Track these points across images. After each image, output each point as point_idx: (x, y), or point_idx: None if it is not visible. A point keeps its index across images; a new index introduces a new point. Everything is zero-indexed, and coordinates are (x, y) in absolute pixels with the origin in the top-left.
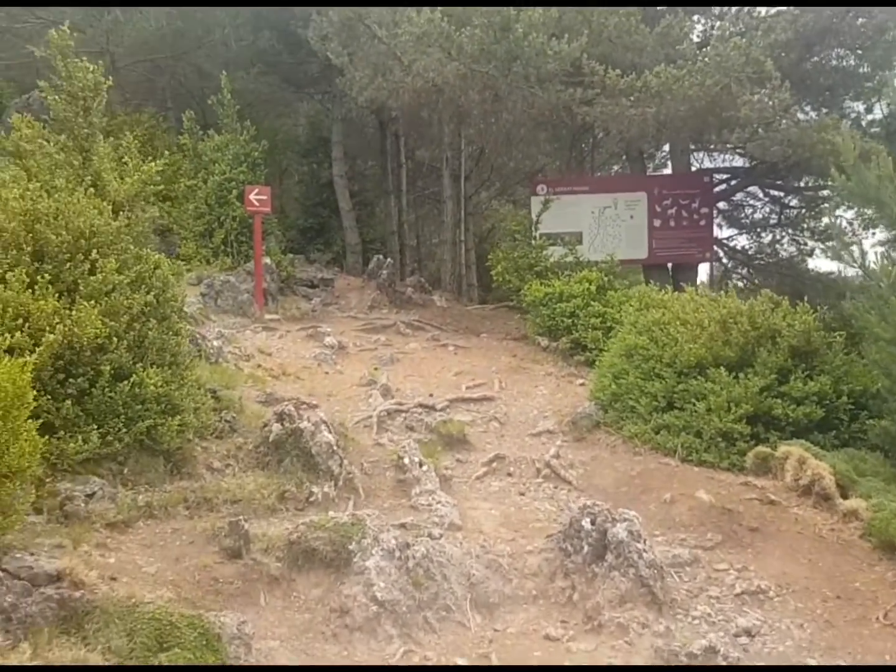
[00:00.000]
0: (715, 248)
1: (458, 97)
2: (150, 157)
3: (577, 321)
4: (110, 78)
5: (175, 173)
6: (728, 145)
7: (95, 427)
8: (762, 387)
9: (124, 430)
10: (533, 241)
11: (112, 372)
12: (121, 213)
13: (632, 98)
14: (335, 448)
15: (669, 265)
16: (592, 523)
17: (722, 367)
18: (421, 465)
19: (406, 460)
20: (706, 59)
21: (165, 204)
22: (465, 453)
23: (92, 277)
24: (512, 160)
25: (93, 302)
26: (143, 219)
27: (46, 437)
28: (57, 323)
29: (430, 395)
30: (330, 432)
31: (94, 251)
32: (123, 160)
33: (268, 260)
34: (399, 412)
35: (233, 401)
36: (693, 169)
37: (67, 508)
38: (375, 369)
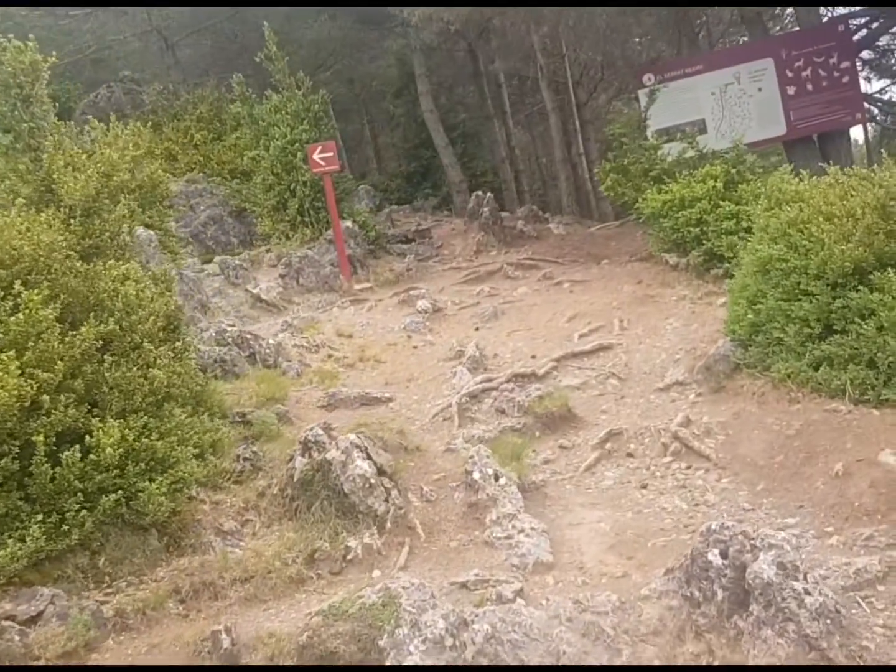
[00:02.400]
0: (866, 105)
1: None
2: (214, 135)
3: (706, 228)
4: (170, 54)
5: (237, 146)
6: None
7: (40, 518)
8: None
9: (84, 511)
10: (643, 143)
11: (55, 439)
12: (71, 221)
13: None
14: (373, 481)
15: (815, 137)
16: (724, 556)
17: (890, 269)
18: (496, 479)
19: (476, 474)
20: None
21: (233, 181)
22: (570, 435)
23: (12, 318)
24: (620, 54)
25: (13, 352)
26: (110, 220)
27: None
28: None
29: (533, 357)
30: (367, 458)
31: (17, 282)
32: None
33: (349, 223)
34: (488, 391)
35: (267, 423)
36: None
37: None
38: (476, 329)
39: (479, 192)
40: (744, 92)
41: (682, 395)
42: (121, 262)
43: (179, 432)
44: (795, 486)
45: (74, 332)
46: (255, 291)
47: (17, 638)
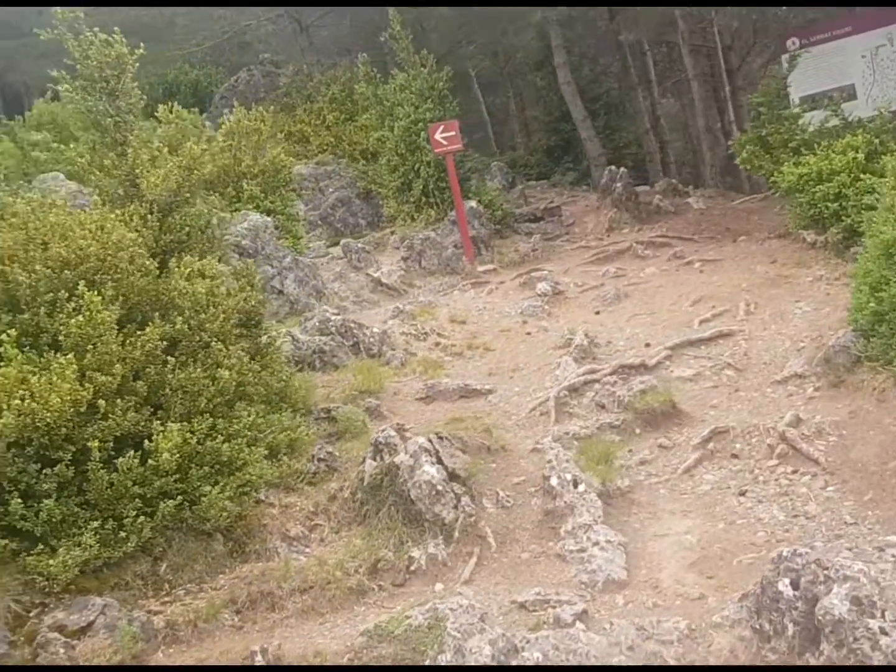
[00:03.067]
0: None
1: None
2: (346, 116)
3: (845, 203)
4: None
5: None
6: None
7: (96, 524)
8: None
9: (143, 517)
10: (782, 112)
11: (112, 443)
12: (149, 217)
13: None
14: (440, 487)
15: None
16: (795, 587)
17: None
18: (575, 485)
19: (553, 480)
20: None
21: (359, 163)
22: (673, 433)
23: (73, 321)
24: (772, 16)
25: (71, 355)
26: (191, 215)
27: (24, 553)
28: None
29: (647, 346)
30: (437, 462)
31: (82, 282)
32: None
33: (473, 203)
34: (590, 384)
35: (352, 420)
36: None
37: (42, 657)
38: (596, 313)
39: (613, 167)
40: None
41: (800, 388)
42: (197, 259)
43: (250, 433)
44: None
45: (140, 333)
46: (375, 275)
47: (62, 651)
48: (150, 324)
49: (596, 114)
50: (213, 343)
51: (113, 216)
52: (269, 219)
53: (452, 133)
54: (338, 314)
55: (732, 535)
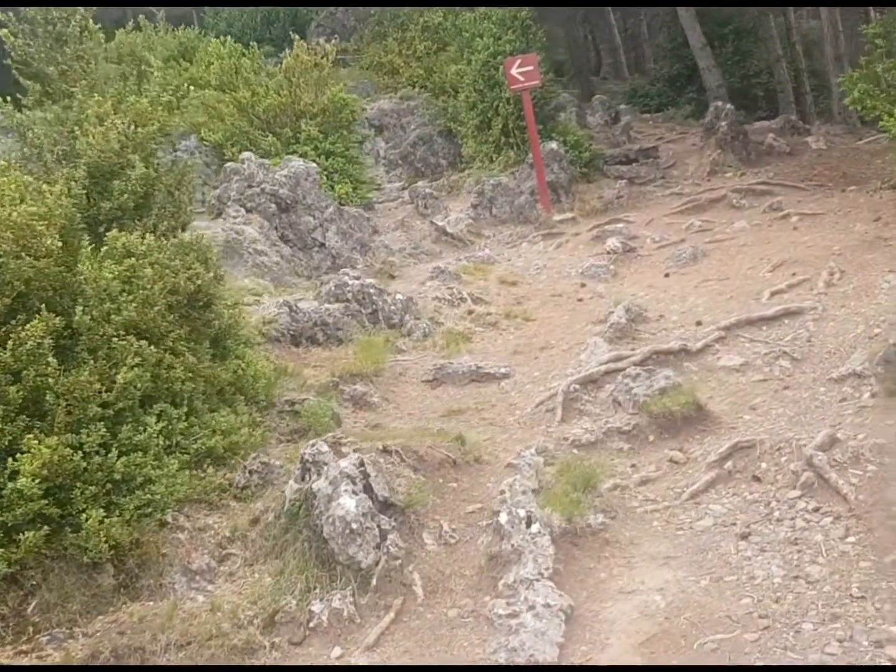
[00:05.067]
0: None
1: None
2: (440, 46)
3: None
4: None
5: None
6: None
7: None
8: None
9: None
10: None
11: None
12: (73, 184)
13: None
14: (355, 525)
15: None
16: None
17: None
18: (529, 524)
19: (503, 517)
20: None
21: (439, 99)
22: (692, 442)
23: None
24: None
25: None
26: (134, 178)
27: None
28: None
29: (698, 324)
30: (361, 491)
31: None
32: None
33: (554, 145)
34: (613, 374)
35: (318, 415)
36: None
37: None
38: (665, 276)
39: (718, 104)
40: None
41: (856, 392)
42: (124, 234)
43: (165, 441)
44: None
45: (19, 329)
46: (440, 224)
47: None
48: (37, 316)
49: (725, 38)
50: (116, 338)
51: (16, 183)
52: (312, 165)
53: (530, 68)
54: (358, 278)
55: (711, 600)
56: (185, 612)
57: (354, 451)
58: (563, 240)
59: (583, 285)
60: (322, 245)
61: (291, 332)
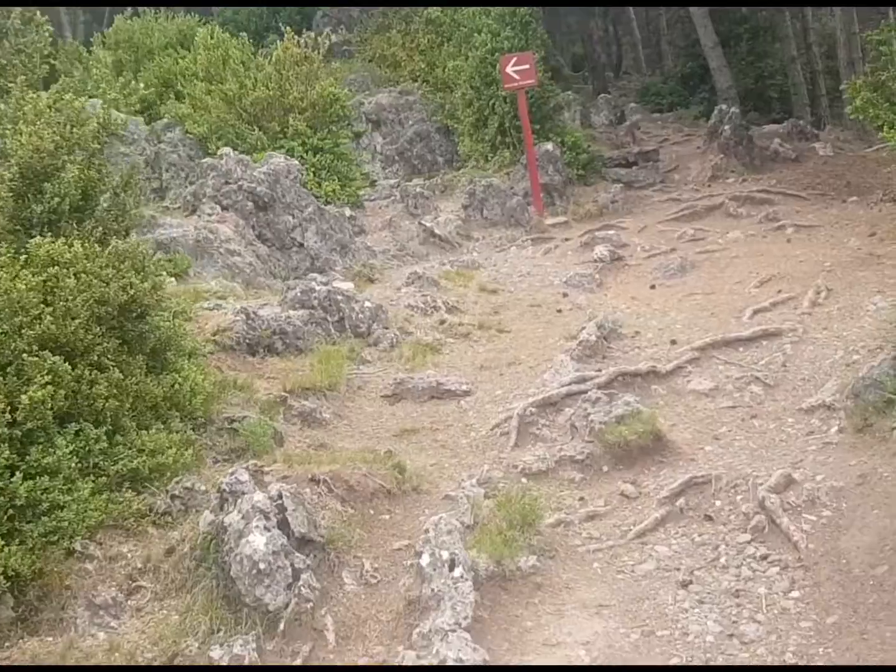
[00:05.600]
0: None
1: None
2: (444, 39)
3: None
4: None
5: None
6: None
7: None
8: None
9: None
10: None
11: None
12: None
13: None
14: (263, 566)
15: None
16: None
17: None
18: (452, 567)
19: (425, 558)
20: None
21: (437, 95)
22: (647, 475)
23: None
24: None
25: None
26: (66, 181)
27: None
28: None
29: (673, 343)
30: (276, 527)
31: None
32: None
33: (550, 146)
34: (575, 396)
35: (257, 434)
36: None
37: None
38: (651, 287)
39: (723, 107)
40: None
41: (824, 425)
42: (48, 241)
43: (78, 463)
44: (877, 631)
45: None
46: (428, 225)
47: None
48: None
49: (739, 38)
50: (28, 353)
51: None
52: (294, 162)
53: (526, 66)
54: (326, 283)
55: (639, 657)
56: (82, 652)
57: (280, 479)
58: (553, 245)
59: (564, 295)
60: (301, 245)
61: (247, 341)
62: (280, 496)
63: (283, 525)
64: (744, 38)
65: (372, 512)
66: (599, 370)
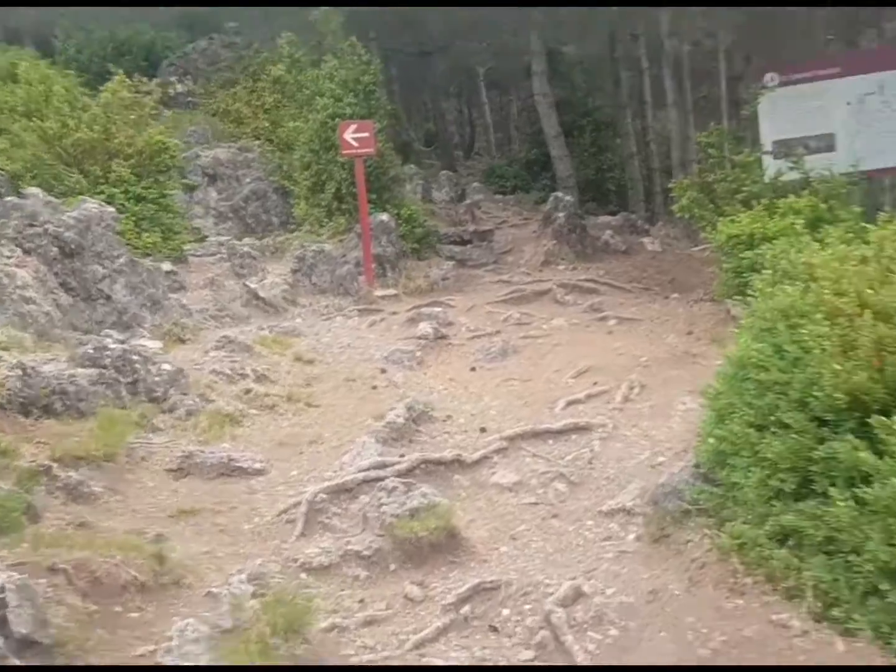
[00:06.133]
0: None
1: None
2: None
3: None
4: None
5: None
6: None
7: None
8: None
9: None
10: (735, 157)
11: None
12: None
13: None
14: None
15: None
16: None
17: None
18: None
19: None
20: None
21: (276, 154)
22: (435, 575)
23: None
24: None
25: None
26: None
27: None
28: None
29: (483, 431)
30: None
31: None
32: None
33: (385, 217)
34: (372, 483)
35: (7, 508)
36: None
37: None
38: (472, 370)
39: (558, 194)
40: (888, 105)
41: (623, 530)
42: None
43: None
44: None
45: None
46: (252, 286)
47: None
48: None
49: (583, 129)
50: None
51: None
52: (109, 209)
53: (366, 134)
54: (122, 341)
55: None
56: None
57: (13, 565)
58: (380, 317)
59: (383, 371)
60: (108, 298)
61: (21, 400)
62: (3, 589)
63: (2, 624)
64: (587, 130)
65: (119, 609)
66: (403, 455)
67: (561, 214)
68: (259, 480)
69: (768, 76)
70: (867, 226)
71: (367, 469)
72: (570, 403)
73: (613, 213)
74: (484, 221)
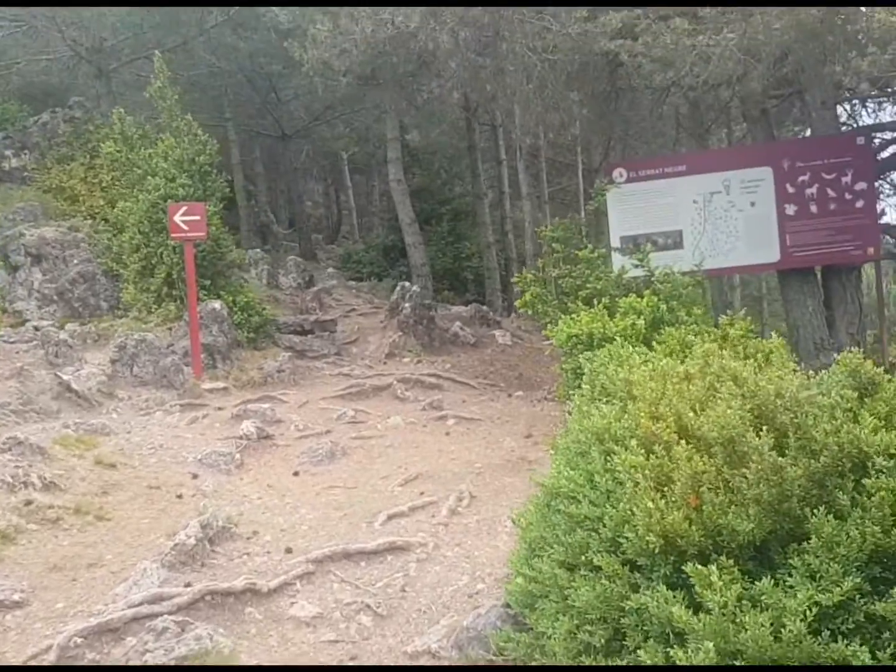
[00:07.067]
0: (887, 238)
1: (426, 45)
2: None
3: None
4: None
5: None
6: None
7: None
8: (823, 609)
9: None
10: (579, 252)
11: None
12: None
13: (699, 16)
14: None
15: (817, 270)
16: None
17: (727, 557)
18: None
19: None
20: None
21: (105, 235)
22: None
23: None
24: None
25: None
26: None
27: None
28: None
29: (288, 552)
30: None
31: None
32: None
33: (217, 304)
34: (143, 620)
35: None
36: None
37: None
38: (295, 474)
39: (406, 284)
40: (732, 205)
41: None
42: None
43: None
44: None
45: None
46: (65, 378)
47: None
48: None
49: (442, 217)
50: None
51: None
52: None
53: (197, 217)
54: None
55: None
56: None
57: None
58: (203, 413)
59: (194, 476)
60: None
61: None
62: None
63: None
64: (446, 218)
65: None
66: (188, 585)
67: (407, 305)
68: (16, 615)
69: (616, 171)
70: (709, 329)
71: (140, 604)
72: (391, 517)
73: (469, 303)
74: (333, 309)
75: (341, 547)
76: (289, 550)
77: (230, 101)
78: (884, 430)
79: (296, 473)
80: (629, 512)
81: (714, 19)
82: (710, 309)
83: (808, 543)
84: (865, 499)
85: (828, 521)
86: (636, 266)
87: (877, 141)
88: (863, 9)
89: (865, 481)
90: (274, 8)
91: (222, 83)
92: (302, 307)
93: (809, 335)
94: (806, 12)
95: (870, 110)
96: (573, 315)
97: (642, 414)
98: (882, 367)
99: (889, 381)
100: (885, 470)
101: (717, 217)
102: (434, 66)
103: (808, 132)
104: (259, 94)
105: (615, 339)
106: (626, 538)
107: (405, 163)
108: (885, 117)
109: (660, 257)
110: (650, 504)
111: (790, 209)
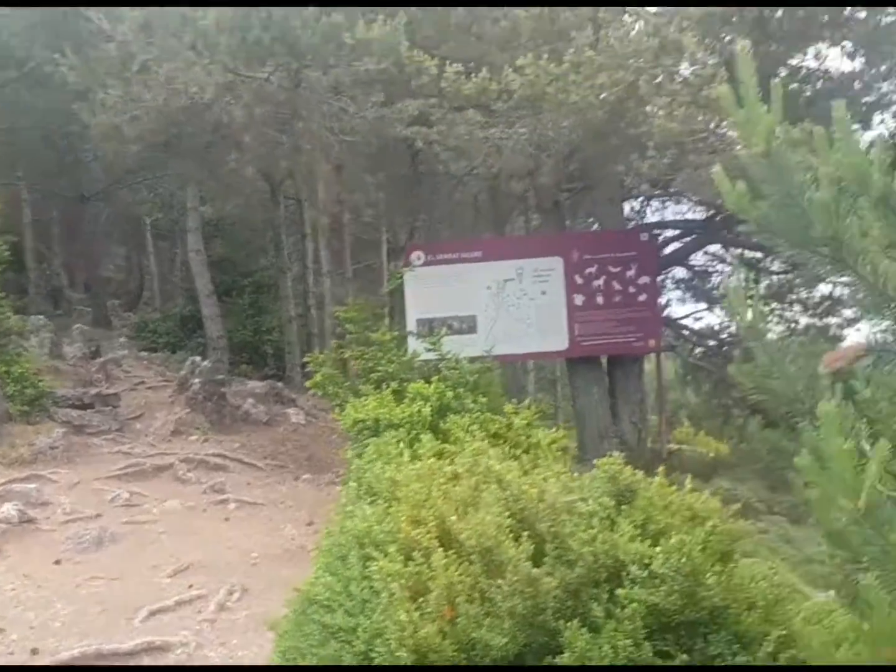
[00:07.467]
0: (669, 331)
1: (221, 117)
2: None
3: None
4: None
5: None
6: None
7: None
8: None
9: None
10: (372, 335)
11: None
12: None
13: (492, 109)
14: None
15: (603, 359)
16: None
17: None
18: None
19: None
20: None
21: None
22: None
23: None
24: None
25: None
26: None
27: None
28: None
29: (34, 652)
30: None
31: None
32: None
33: None
34: None
35: None
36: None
37: None
38: (57, 563)
39: (196, 358)
40: (524, 293)
41: None
42: None
43: None
44: None
45: None
46: None
47: None
48: None
49: (243, 290)
50: None
51: None
52: None
53: None
54: None
55: None
56: None
57: None
58: None
59: None
60: None
61: None
62: None
63: None
64: (247, 290)
65: None
66: None
67: (197, 380)
68: None
69: (415, 254)
70: (495, 417)
71: None
72: (153, 613)
73: (267, 377)
74: (120, 381)
75: (94, 648)
76: (35, 651)
77: (26, 159)
78: (640, 538)
79: (57, 562)
80: (383, 624)
81: (506, 114)
82: (503, 393)
83: (563, 657)
84: (619, 610)
85: (581, 634)
86: (429, 350)
87: (661, 237)
88: (647, 109)
89: (619, 591)
90: (63, 68)
91: (15, 139)
92: (86, 379)
93: (594, 423)
94: (593, 113)
95: (654, 208)
96: (363, 398)
97: (404, 518)
98: (662, 454)
99: (645, 487)
100: (639, 580)
101: (509, 304)
102: (231, 138)
103: (597, 226)
104: (57, 154)
105: (401, 427)
106: (379, 652)
107: (208, 233)
108: (669, 215)
109: (454, 341)
110: (403, 616)
111: (578, 299)
